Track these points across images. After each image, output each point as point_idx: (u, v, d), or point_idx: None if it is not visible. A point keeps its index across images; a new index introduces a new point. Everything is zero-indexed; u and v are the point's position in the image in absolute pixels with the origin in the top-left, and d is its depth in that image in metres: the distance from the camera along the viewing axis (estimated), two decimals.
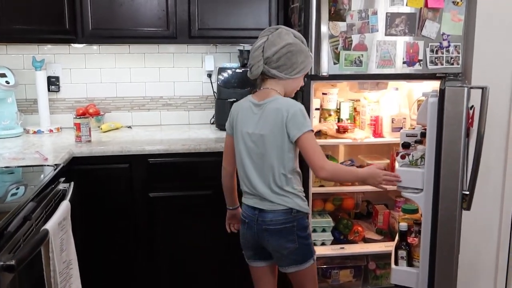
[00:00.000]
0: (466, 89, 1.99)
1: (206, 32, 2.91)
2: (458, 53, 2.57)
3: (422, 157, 2.14)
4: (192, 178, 2.68)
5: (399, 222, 2.52)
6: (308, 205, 2.17)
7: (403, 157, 2.19)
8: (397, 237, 2.47)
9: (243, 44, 3.20)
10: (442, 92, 2.00)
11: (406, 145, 2.28)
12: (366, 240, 2.98)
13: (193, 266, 2.75)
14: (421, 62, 2.56)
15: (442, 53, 2.56)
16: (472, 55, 2.58)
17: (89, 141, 2.73)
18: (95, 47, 3.19)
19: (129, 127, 3.25)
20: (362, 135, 2.82)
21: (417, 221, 2.43)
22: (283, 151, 1.97)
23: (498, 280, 2.82)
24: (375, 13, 2.47)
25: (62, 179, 2.16)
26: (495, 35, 2.57)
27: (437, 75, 2.60)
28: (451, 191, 2.07)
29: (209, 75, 3.32)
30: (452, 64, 2.58)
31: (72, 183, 2.13)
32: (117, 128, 3.16)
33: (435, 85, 2.64)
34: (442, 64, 2.58)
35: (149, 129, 3.19)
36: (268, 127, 1.97)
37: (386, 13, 2.48)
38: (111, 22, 2.80)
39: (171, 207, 2.68)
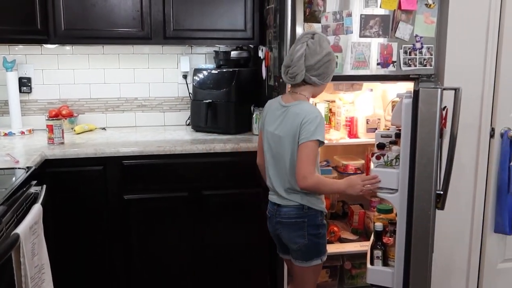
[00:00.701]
0: (439, 90, 2.03)
1: (181, 33, 2.89)
2: (431, 54, 2.61)
3: (397, 157, 2.16)
4: (168, 180, 2.66)
5: (374, 222, 2.54)
6: None
7: (378, 157, 2.21)
8: (372, 237, 2.49)
9: (219, 45, 3.19)
10: (416, 93, 2.02)
11: (381, 146, 2.31)
12: (341, 240, 2.99)
13: (170, 269, 2.73)
14: (395, 64, 2.59)
15: (415, 55, 2.60)
16: (444, 57, 2.62)
17: (62, 143, 2.68)
18: (68, 47, 3.14)
19: (104, 128, 3.20)
20: (337, 136, 2.85)
21: (392, 221, 2.45)
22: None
23: (470, 280, 2.86)
24: (349, 14, 2.49)
25: (34, 182, 2.11)
26: (467, 37, 2.62)
27: (410, 76, 2.63)
28: (425, 191, 2.10)
29: (185, 76, 3.30)
30: (425, 65, 2.62)
31: (44, 186, 2.09)
32: (91, 130, 3.12)
33: (409, 86, 2.68)
34: (415, 66, 2.61)
35: (123, 130, 3.16)
36: (286, 129, 2.07)
37: (361, 15, 2.51)
38: (84, 22, 2.76)
39: (147, 209, 2.65)
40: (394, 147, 2.22)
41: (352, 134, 2.91)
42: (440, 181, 2.17)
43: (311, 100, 2.88)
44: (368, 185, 2.15)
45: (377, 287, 2.35)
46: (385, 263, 2.35)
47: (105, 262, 2.65)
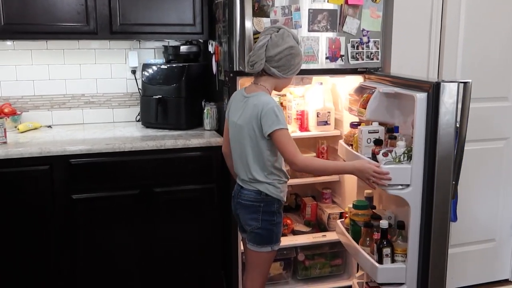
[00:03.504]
0: (457, 83, 2.05)
1: (128, 27, 2.82)
2: (377, 48, 2.67)
3: (405, 153, 2.15)
4: (118, 178, 2.60)
5: (353, 219, 2.51)
6: None
7: (385, 154, 2.16)
8: (363, 235, 2.44)
9: (168, 40, 3.14)
10: (437, 87, 2.03)
11: (379, 142, 2.28)
12: (295, 232, 3.03)
13: (120, 269, 2.67)
14: (343, 58, 2.63)
15: (363, 49, 2.65)
16: (390, 50, 2.68)
17: (5, 142, 2.57)
18: (9, 43, 3.01)
19: (49, 126, 3.10)
20: (288, 130, 2.85)
21: (374, 215, 2.44)
22: (257, 144, 2.13)
23: None
24: (298, 9, 2.51)
25: None
26: (411, 30, 2.69)
27: (358, 70, 2.68)
28: (445, 183, 2.11)
29: (134, 72, 3.23)
30: (372, 59, 2.67)
31: None
32: (35, 128, 3.01)
33: (358, 79, 2.72)
34: (362, 59, 2.66)
35: (70, 128, 3.06)
36: (246, 119, 2.15)
37: (309, 9, 2.53)
38: (25, 16, 2.65)
39: (96, 209, 2.59)
40: (400, 143, 2.18)
41: (303, 127, 2.95)
42: None
43: (272, 92, 2.92)
44: (376, 179, 2.13)
45: (387, 285, 2.28)
46: (392, 260, 2.29)
47: (52, 265, 2.56)
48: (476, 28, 2.80)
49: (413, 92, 2.12)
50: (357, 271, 2.94)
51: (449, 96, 2.04)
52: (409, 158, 2.15)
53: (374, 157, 2.25)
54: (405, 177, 2.15)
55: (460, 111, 2.11)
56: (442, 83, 2.03)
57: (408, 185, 2.16)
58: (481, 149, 2.95)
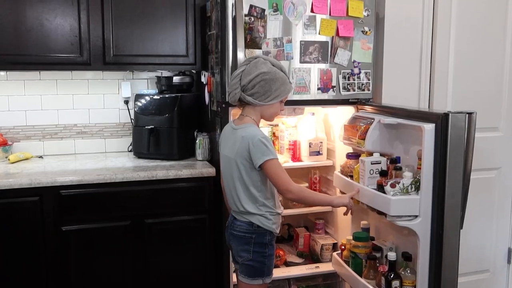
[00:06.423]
0: (466, 115, 2.05)
1: (121, 58, 2.84)
2: (368, 79, 2.70)
3: (412, 183, 2.14)
4: (109, 209, 2.57)
5: (354, 252, 2.48)
6: None
7: (393, 185, 2.14)
8: (364, 269, 2.41)
9: (161, 71, 3.16)
10: (445, 118, 2.03)
11: (384, 173, 2.27)
12: (287, 264, 2.99)
13: None
14: (335, 89, 2.65)
15: (354, 80, 2.67)
16: (381, 81, 2.71)
17: None
18: (1, 73, 3.02)
19: (41, 157, 3.07)
20: (281, 160, 2.83)
21: (376, 247, 2.43)
22: (247, 176, 2.13)
23: None
24: (289, 41, 2.54)
25: None
26: (401, 62, 2.73)
27: (350, 100, 2.70)
28: (454, 213, 2.10)
29: (126, 102, 3.24)
30: (363, 90, 2.69)
31: None
32: (26, 159, 2.99)
33: (349, 110, 2.74)
34: (354, 90, 2.68)
35: (62, 158, 3.04)
36: (234, 151, 2.15)
37: (300, 41, 2.56)
38: (18, 47, 2.66)
39: (87, 241, 2.55)
40: (407, 173, 2.16)
41: (295, 157, 2.94)
42: None
43: (265, 122, 2.92)
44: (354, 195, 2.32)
45: None
46: None
47: None
48: (466, 59, 2.84)
49: (419, 123, 2.11)
50: None
51: (457, 127, 2.04)
52: (417, 188, 2.13)
53: (380, 188, 2.22)
54: (414, 208, 2.13)
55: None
56: (451, 114, 2.03)
57: (416, 216, 2.13)
58: (473, 179, 2.88)
